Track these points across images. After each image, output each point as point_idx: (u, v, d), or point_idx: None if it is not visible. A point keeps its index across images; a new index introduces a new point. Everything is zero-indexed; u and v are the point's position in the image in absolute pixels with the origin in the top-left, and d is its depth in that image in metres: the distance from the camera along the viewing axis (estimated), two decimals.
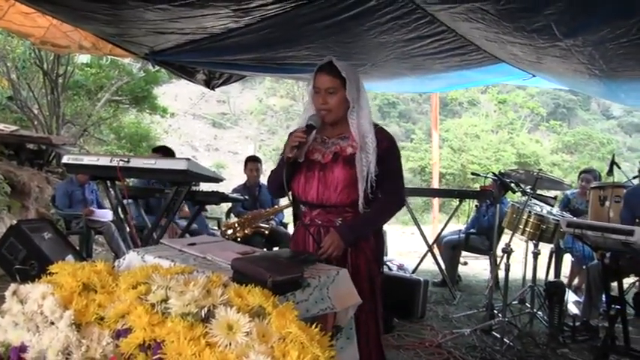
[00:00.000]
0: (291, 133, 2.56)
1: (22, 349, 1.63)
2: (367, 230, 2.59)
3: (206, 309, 1.47)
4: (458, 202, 6.42)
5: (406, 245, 10.00)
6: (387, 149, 2.57)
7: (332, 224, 2.56)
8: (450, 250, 6.54)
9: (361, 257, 2.56)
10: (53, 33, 4.87)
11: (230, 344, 1.39)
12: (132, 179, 5.29)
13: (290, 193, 2.68)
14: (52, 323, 1.64)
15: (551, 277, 5.93)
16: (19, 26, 4.75)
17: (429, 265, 6.62)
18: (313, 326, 1.50)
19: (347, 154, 2.54)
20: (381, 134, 2.58)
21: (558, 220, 4.60)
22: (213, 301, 1.49)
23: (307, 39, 4.29)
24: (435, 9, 3.38)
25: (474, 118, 26.78)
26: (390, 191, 2.60)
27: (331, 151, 2.57)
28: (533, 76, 5.22)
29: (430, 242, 6.41)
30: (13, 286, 1.80)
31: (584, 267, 5.18)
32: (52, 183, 9.10)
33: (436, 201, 11.38)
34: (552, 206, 5.21)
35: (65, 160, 3.82)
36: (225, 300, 1.51)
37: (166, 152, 5.83)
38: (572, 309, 5.03)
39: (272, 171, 2.76)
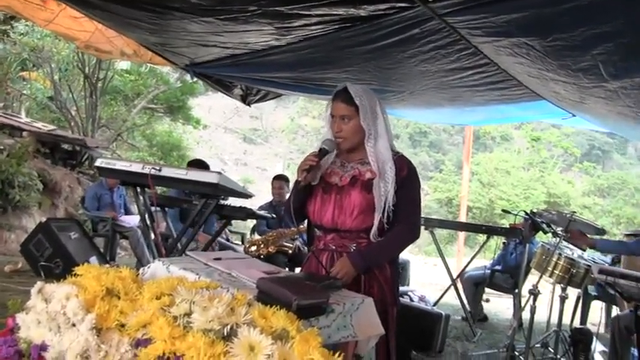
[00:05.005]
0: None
1: (43, 347, 1.64)
2: (380, 259, 2.49)
3: (229, 327, 1.45)
4: (485, 238, 6.30)
5: (428, 276, 9.87)
6: (406, 178, 2.48)
7: (346, 249, 2.47)
8: (473, 286, 6.42)
9: (374, 286, 2.47)
10: (98, 38, 4.95)
11: None
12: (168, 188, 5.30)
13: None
14: (74, 325, 1.63)
15: (577, 323, 5.77)
16: (66, 29, 4.84)
17: (450, 298, 6.50)
18: (336, 355, 1.46)
19: (365, 178, 2.46)
20: (401, 162, 2.50)
21: (589, 266, 4.48)
22: (237, 319, 1.47)
23: (347, 62, 4.28)
24: (480, 41, 3.35)
25: (506, 154, 26.54)
26: (407, 221, 2.49)
27: (350, 174, 2.50)
28: (573, 115, 5.13)
29: (454, 276, 6.30)
30: (39, 284, 1.80)
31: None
32: (82, 184, 9.26)
33: (461, 234, 11.24)
34: (584, 250, 5.08)
35: (98, 163, 3.86)
36: (249, 320, 1.48)
37: (200, 165, 5.72)
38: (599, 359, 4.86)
39: (288, 197, 2.71)
